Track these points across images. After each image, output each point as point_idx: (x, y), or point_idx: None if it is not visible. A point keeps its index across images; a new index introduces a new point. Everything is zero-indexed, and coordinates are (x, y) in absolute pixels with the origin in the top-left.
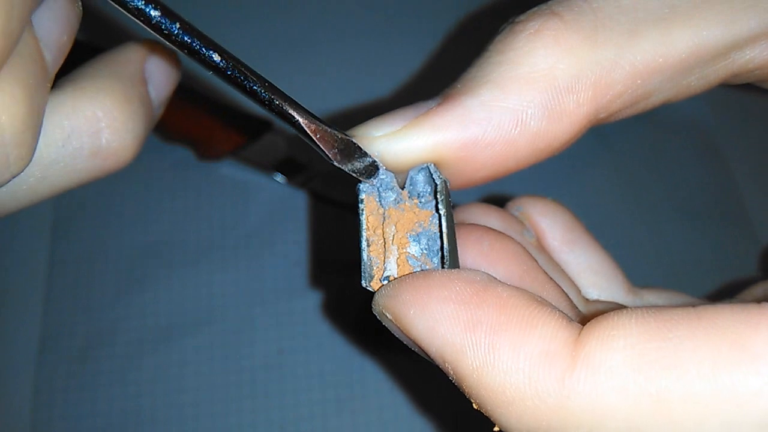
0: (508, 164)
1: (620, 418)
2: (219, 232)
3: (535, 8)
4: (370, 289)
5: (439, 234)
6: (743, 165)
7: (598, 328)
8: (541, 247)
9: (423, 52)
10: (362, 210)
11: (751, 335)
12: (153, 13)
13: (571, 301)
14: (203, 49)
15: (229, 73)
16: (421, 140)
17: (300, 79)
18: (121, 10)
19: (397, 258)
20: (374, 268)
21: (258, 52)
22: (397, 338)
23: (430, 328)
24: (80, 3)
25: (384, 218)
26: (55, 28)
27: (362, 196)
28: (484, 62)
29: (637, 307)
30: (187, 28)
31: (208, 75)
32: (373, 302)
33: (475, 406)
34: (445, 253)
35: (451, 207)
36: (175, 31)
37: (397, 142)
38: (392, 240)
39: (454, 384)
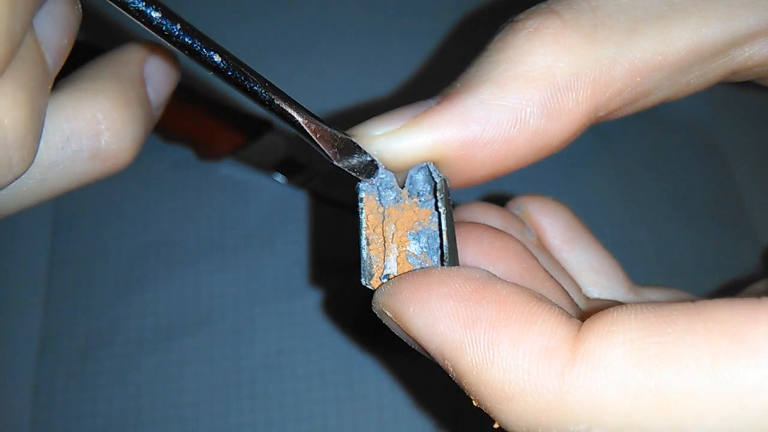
0: (507, 163)
1: (620, 413)
2: (219, 232)
3: (535, 7)
4: (369, 287)
5: (438, 232)
6: (743, 164)
7: (597, 323)
8: (542, 246)
9: (422, 52)
10: (362, 209)
11: (750, 329)
12: (154, 14)
13: (572, 299)
14: (204, 49)
15: (229, 73)
16: (421, 139)
17: (300, 79)
18: (122, 11)
19: (397, 256)
20: (374, 266)
21: (258, 52)
22: (397, 337)
23: (430, 325)
24: (80, 5)
25: (384, 217)
26: (56, 31)
27: (362, 195)
28: (484, 61)
29: (636, 303)
30: (188, 29)
31: (209, 75)
32: (372, 300)
33: (475, 404)
34: (444, 251)
35: (450, 205)
36: (176, 32)
37: (396, 141)
38: (392, 238)
39: (454, 382)
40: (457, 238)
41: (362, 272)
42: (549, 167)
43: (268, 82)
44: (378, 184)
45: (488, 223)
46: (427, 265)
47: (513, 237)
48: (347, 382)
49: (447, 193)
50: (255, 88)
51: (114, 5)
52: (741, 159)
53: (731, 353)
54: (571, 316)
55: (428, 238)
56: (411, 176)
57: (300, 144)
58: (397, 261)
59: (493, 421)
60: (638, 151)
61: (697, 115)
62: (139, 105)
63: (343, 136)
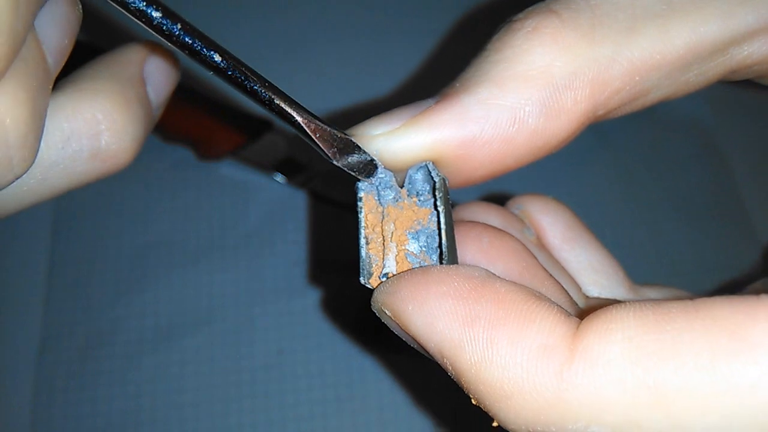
0: (506, 162)
1: (618, 411)
2: (219, 232)
3: (533, 6)
4: (368, 286)
5: (437, 231)
6: (743, 164)
7: (596, 321)
8: (542, 245)
9: (421, 52)
10: (361, 208)
11: (749, 326)
12: (154, 14)
13: (571, 298)
14: (204, 49)
15: (229, 73)
16: (419, 138)
17: (300, 79)
18: (123, 11)
19: (396, 255)
20: (373, 265)
21: (258, 52)
22: (397, 336)
23: (429, 323)
24: (80, 6)
25: (383, 216)
26: (57, 32)
27: (361, 194)
28: (482, 61)
29: (635, 301)
30: (188, 28)
31: (209, 75)
32: (372, 299)
33: (473, 402)
34: (443, 250)
35: (449, 204)
36: (177, 32)
37: (395, 140)
38: (391, 237)
39: (453, 381)
40: (456, 237)
41: (361, 271)
42: (549, 167)
43: (268, 81)
44: (377, 183)
45: (488, 223)
46: (426, 263)
47: (512, 236)
48: (347, 382)
49: (446, 192)
50: (255, 87)
51: (114, 5)
52: (741, 158)
53: (730, 350)
54: (569, 314)
55: (427, 237)
56: (410, 176)
57: (300, 144)
58: (396, 260)
59: (492, 420)
60: (638, 151)
61: (697, 115)
62: (139, 105)
63: (343, 135)
